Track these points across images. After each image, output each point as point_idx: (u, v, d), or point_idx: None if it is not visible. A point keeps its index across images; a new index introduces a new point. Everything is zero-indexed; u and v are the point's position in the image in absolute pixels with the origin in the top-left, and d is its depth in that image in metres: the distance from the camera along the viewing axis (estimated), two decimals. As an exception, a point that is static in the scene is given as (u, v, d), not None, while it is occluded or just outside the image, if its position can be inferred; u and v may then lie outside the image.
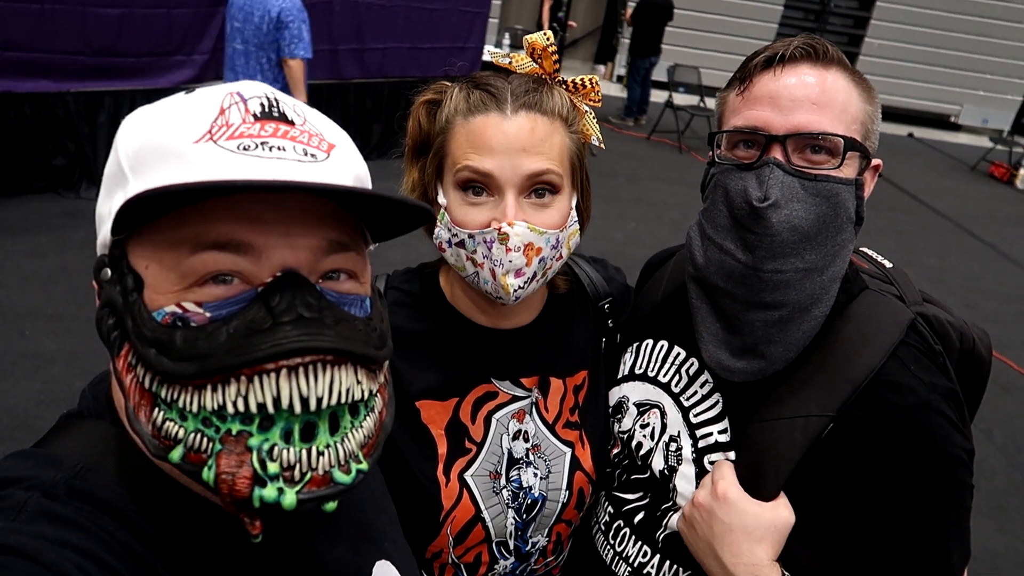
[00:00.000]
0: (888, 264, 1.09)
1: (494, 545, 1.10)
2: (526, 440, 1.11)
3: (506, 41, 10.06)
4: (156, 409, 0.56)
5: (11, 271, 3.99)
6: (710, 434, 1.03)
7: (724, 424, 1.02)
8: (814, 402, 0.93)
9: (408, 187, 1.06)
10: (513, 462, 1.10)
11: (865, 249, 1.12)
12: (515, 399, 1.11)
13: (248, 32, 4.14)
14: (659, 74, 9.82)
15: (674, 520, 1.04)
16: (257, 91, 0.62)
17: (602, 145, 1.08)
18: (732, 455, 1.00)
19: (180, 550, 0.61)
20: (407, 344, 1.06)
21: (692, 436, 1.05)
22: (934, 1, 12.36)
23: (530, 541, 1.12)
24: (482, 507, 1.07)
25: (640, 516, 1.10)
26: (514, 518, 1.09)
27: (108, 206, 0.60)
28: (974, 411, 1.04)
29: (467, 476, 1.07)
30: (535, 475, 1.11)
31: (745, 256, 0.92)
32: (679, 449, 1.06)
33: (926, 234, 7.18)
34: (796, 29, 12.77)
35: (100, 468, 0.60)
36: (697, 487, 1.02)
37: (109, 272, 0.60)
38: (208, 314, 0.55)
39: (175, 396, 0.55)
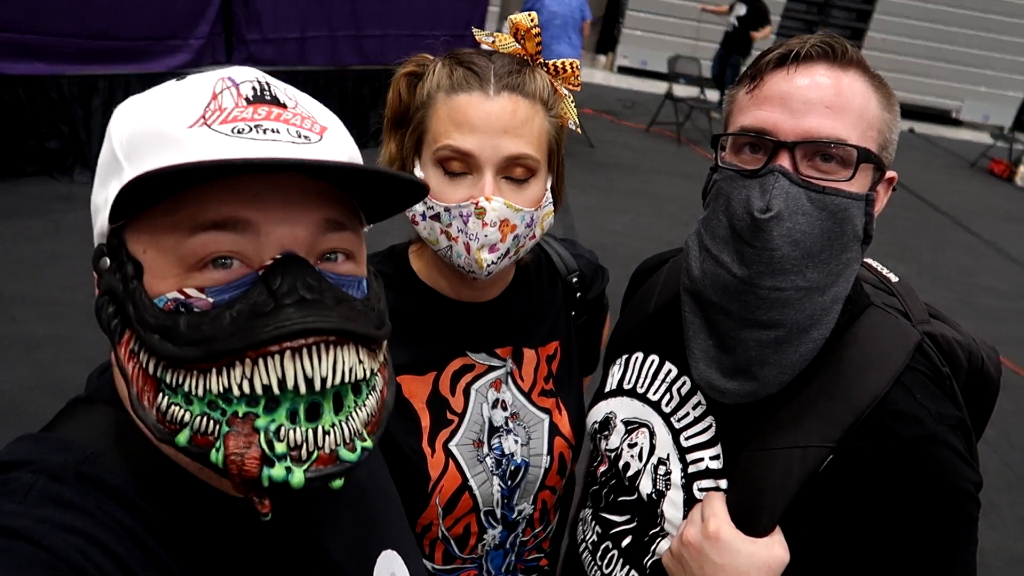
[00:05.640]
0: (894, 278, 1.03)
1: (482, 514, 1.12)
2: (504, 408, 1.14)
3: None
4: (160, 394, 0.56)
5: (3, 255, 3.96)
6: (701, 460, 0.98)
7: (716, 450, 0.97)
8: (814, 432, 0.87)
9: (386, 159, 1.07)
10: (494, 430, 1.13)
11: (870, 261, 1.05)
12: (491, 369, 1.15)
13: (566, 13, 6.96)
14: (659, 65, 9.78)
15: (662, 546, 0.99)
16: (248, 75, 0.62)
17: (578, 130, 1.10)
18: (723, 483, 0.94)
19: (186, 538, 0.61)
20: None
21: (682, 460, 0.99)
22: (938, -5, 12.33)
23: (516, 509, 1.16)
24: (468, 475, 1.10)
25: (628, 540, 1.06)
26: (499, 485, 1.12)
27: (104, 195, 0.60)
28: (980, 432, 0.98)
29: (451, 446, 1.09)
30: (516, 442, 1.14)
31: (741, 270, 0.87)
32: (668, 473, 1.00)
33: (924, 230, 7.16)
34: (798, 22, 12.75)
35: (109, 454, 0.61)
36: (685, 516, 0.96)
37: (108, 261, 0.60)
38: (210, 299, 0.55)
39: (180, 381, 0.55)
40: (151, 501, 0.60)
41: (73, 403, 0.67)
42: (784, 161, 0.85)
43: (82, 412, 0.65)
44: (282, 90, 0.62)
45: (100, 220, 0.61)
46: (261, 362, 0.53)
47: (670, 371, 1.06)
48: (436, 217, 0.99)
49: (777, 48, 0.89)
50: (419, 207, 1.00)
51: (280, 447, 0.54)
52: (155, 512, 0.60)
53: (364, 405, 0.60)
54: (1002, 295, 5.91)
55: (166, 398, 0.56)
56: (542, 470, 1.15)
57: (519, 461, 1.14)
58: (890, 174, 0.92)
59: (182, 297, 0.55)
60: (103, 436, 0.62)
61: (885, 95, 0.90)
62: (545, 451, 1.15)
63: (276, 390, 0.54)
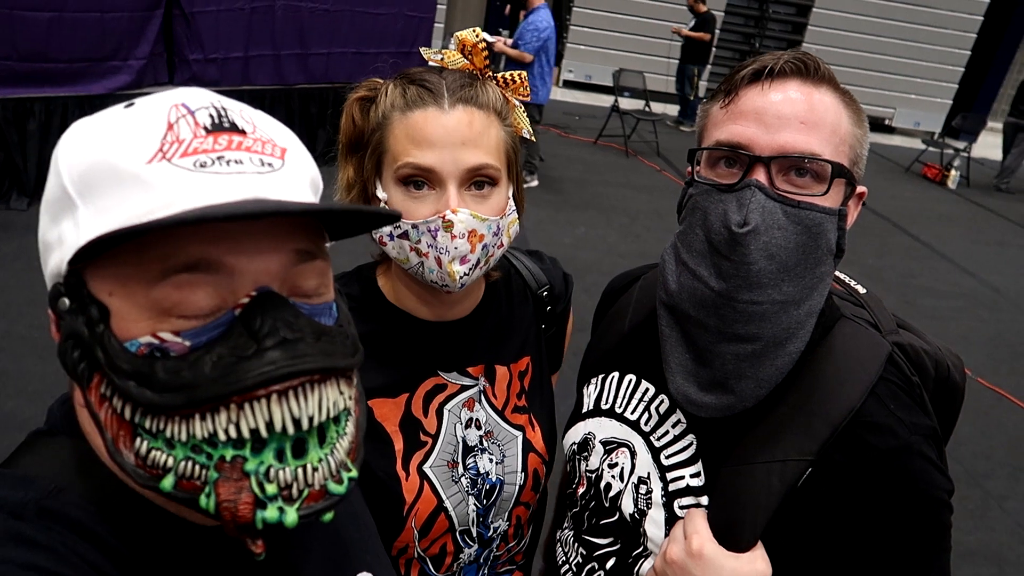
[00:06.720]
0: (862, 289, 1.05)
1: (458, 534, 1.11)
2: (478, 427, 1.13)
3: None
4: (139, 439, 0.54)
5: (-64, 287, 3.80)
6: (681, 477, 0.98)
7: (697, 467, 0.97)
8: (792, 445, 0.87)
9: (343, 184, 1.06)
10: (468, 450, 1.12)
11: (837, 273, 1.05)
12: (463, 388, 1.14)
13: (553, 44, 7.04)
14: (605, 78, 9.95)
15: (646, 566, 1.00)
16: (203, 101, 0.59)
17: (533, 138, 1.12)
18: (704, 500, 0.94)
19: (155, 572, 0.59)
20: None
21: (663, 479, 0.99)
22: (868, 8, 12.78)
23: (491, 527, 1.15)
24: (443, 497, 1.09)
25: (612, 562, 1.05)
26: (475, 505, 1.11)
27: (56, 233, 0.57)
28: (947, 438, 1.00)
29: (426, 468, 1.08)
30: (491, 461, 1.13)
31: (718, 284, 0.87)
32: (649, 492, 1.00)
33: (866, 234, 7.36)
34: (737, 35, 13.10)
35: (72, 487, 0.59)
36: (667, 534, 0.96)
37: (67, 302, 0.56)
38: (187, 342, 0.53)
39: (160, 426, 0.53)
40: (118, 535, 0.58)
41: (34, 436, 0.65)
42: (760, 175, 0.86)
43: (43, 445, 0.63)
44: (238, 113, 0.60)
45: (54, 259, 0.57)
46: (247, 407, 0.52)
47: (648, 390, 1.05)
48: (404, 235, 0.99)
49: (751, 64, 0.90)
50: (386, 228, 1.00)
51: (271, 488, 0.53)
52: (122, 546, 0.58)
53: (345, 433, 0.59)
54: (940, 295, 6.12)
55: (145, 443, 0.54)
56: (517, 487, 1.15)
57: (494, 480, 1.13)
58: (860, 189, 0.93)
59: (157, 342, 0.53)
60: (66, 469, 0.60)
61: (855, 111, 0.91)
62: (519, 468, 1.15)
63: (264, 433, 0.53)
